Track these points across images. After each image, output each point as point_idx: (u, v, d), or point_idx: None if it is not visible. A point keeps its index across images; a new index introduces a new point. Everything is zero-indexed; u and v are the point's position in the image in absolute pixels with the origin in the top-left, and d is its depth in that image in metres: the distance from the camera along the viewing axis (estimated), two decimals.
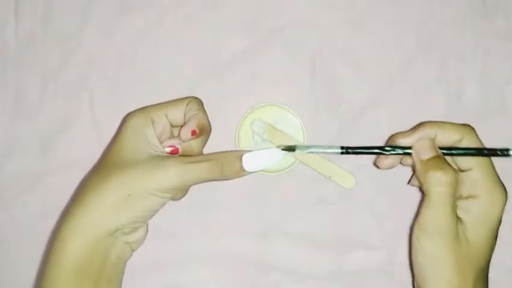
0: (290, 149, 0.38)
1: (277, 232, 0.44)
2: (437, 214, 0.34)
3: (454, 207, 0.35)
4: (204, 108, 0.39)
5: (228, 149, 0.43)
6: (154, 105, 0.39)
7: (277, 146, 0.38)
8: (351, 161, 0.43)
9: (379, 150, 0.37)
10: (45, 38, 0.46)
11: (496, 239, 0.36)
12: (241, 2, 0.45)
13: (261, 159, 0.37)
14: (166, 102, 0.39)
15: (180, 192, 0.38)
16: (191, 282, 0.44)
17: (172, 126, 0.39)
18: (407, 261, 0.43)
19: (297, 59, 0.45)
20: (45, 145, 0.45)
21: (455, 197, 0.35)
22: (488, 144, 0.44)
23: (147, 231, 0.38)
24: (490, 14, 0.45)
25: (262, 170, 0.41)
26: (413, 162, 0.37)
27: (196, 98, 0.39)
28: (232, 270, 0.44)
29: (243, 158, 0.37)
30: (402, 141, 0.37)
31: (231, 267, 0.44)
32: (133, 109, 0.45)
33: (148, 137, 0.37)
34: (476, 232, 0.35)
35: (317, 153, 0.38)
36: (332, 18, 0.45)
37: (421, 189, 0.37)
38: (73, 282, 0.34)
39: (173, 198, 0.38)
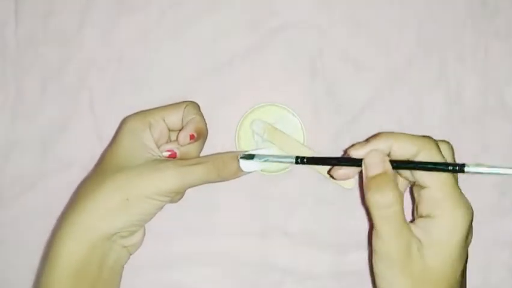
0: (248, 157, 0.37)
1: (277, 232, 0.44)
2: (382, 239, 0.33)
3: (401, 229, 0.32)
4: (201, 112, 0.39)
5: (228, 149, 0.43)
6: (152, 109, 0.39)
7: (238, 154, 0.37)
8: None
9: (331, 161, 0.36)
10: (45, 38, 0.46)
11: (460, 262, 0.33)
12: (241, 2, 0.45)
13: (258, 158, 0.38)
14: (163, 107, 0.39)
15: (178, 195, 0.38)
16: (191, 282, 0.44)
17: (170, 130, 0.39)
18: None
19: (297, 59, 0.45)
20: (45, 145, 0.45)
21: (401, 218, 0.32)
22: (488, 144, 0.44)
23: (144, 234, 0.38)
24: (490, 14, 0.45)
25: (262, 170, 0.41)
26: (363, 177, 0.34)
27: (193, 102, 0.39)
28: (232, 270, 0.44)
29: (240, 158, 0.37)
30: (355, 153, 0.34)
31: (231, 267, 0.44)
32: (133, 109, 0.45)
33: (145, 141, 0.37)
34: (436, 253, 0.32)
35: (273, 162, 0.37)
36: (332, 18, 0.45)
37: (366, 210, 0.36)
38: (70, 286, 0.34)
39: (171, 201, 0.38)
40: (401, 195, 0.33)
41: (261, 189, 0.44)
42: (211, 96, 0.45)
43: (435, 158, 0.33)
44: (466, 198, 0.33)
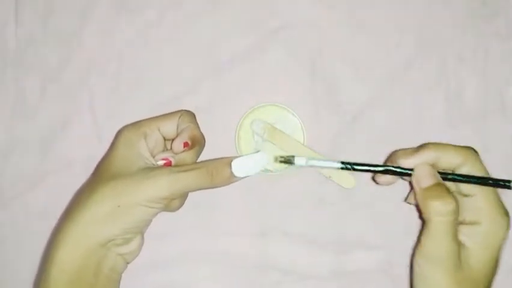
0: (289, 161, 0.37)
1: (277, 232, 0.44)
2: (437, 243, 0.34)
3: (455, 235, 0.34)
4: (196, 121, 0.39)
5: (228, 149, 0.43)
6: (146, 119, 0.39)
7: (277, 158, 0.38)
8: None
9: (379, 169, 0.37)
10: (45, 38, 0.46)
11: (498, 264, 0.36)
12: (241, 2, 0.45)
13: (250, 164, 0.37)
14: (158, 116, 0.39)
15: (174, 203, 0.37)
16: (191, 282, 0.44)
17: (165, 139, 0.39)
18: (406, 261, 0.43)
19: (297, 59, 0.45)
20: (45, 145, 0.45)
21: (456, 225, 0.34)
22: (488, 144, 0.44)
23: (142, 242, 0.38)
24: (490, 14, 0.45)
25: (262, 170, 0.41)
26: (413, 186, 0.36)
27: (188, 111, 0.39)
28: (232, 270, 0.44)
29: (232, 164, 0.36)
30: (403, 162, 0.36)
31: (230, 267, 0.44)
32: (133, 109, 0.45)
33: (140, 150, 0.37)
34: (478, 258, 0.35)
35: (316, 166, 0.37)
36: (332, 18, 0.45)
37: (420, 215, 0.37)
38: None
39: (168, 209, 0.37)
40: (458, 204, 0.35)
41: (261, 189, 0.44)
42: (211, 96, 0.45)
43: (479, 169, 0.35)
44: (504, 205, 0.35)
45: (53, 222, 0.44)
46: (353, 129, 0.44)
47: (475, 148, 0.36)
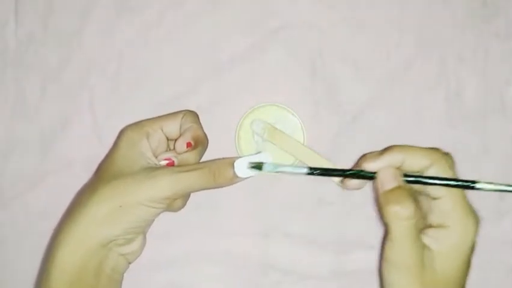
0: (257, 167, 0.36)
1: (277, 232, 0.44)
2: (398, 248, 0.33)
3: (416, 239, 0.33)
4: (199, 121, 0.39)
5: (228, 149, 0.43)
6: (149, 119, 0.39)
7: (234, 160, 0.36)
8: (351, 162, 0.43)
9: (345, 173, 0.36)
10: (45, 38, 0.46)
11: (468, 268, 0.35)
12: (241, 2, 0.45)
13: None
14: (161, 116, 0.39)
15: (176, 203, 0.37)
16: (192, 282, 0.44)
17: (168, 139, 0.39)
18: None
19: (297, 59, 0.45)
20: (45, 145, 0.45)
21: (417, 229, 0.33)
22: (488, 144, 0.44)
23: (144, 243, 0.38)
24: (490, 14, 0.45)
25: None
26: (376, 190, 0.35)
27: (191, 111, 0.39)
28: (232, 270, 0.44)
29: (235, 164, 0.36)
30: (368, 166, 0.35)
31: (231, 267, 0.44)
32: (133, 109, 0.45)
33: (142, 149, 0.37)
34: (445, 262, 0.34)
35: (285, 173, 0.36)
36: (332, 18, 0.45)
37: (382, 221, 0.36)
38: None
39: (171, 209, 0.37)
40: (418, 207, 0.34)
41: (261, 189, 0.44)
42: (211, 96, 0.45)
43: (447, 172, 0.34)
44: (473, 208, 0.34)
45: (53, 222, 0.44)
46: (353, 129, 0.44)
47: (441, 149, 0.35)
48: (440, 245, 0.34)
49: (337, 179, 0.40)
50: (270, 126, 0.43)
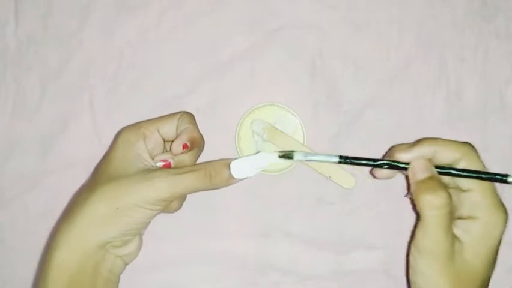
0: (288, 156, 0.36)
1: (277, 232, 0.44)
2: (430, 236, 0.34)
3: (448, 229, 0.34)
4: (195, 122, 0.39)
5: (228, 149, 0.43)
6: (146, 120, 0.39)
7: (276, 152, 0.37)
8: None
9: (377, 163, 0.36)
10: (45, 38, 0.46)
11: (495, 260, 0.36)
12: (241, 2, 0.45)
13: (249, 165, 0.36)
14: (157, 118, 0.39)
15: (173, 204, 0.37)
16: (191, 282, 0.44)
17: (165, 141, 0.39)
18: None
19: (297, 59, 0.45)
20: (45, 145, 0.45)
21: (449, 219, 0.34)
22: (488, 144, 0.44)
23: (141, 244, 0.38)
24: (490, 14, 0.45)
25: (262, 170, 0.41)
26: (409, 180, 0.36)
27: (188, 113, 0.39)
28: (232, 270, 0.44)
29: (231, 165, 0.36)
30: (400, 157, 0.36)
31: (231, 267, 0.44)
32: (133, 109, 0.45)
33: (139, 151, 0.37)
34: (474, 253, 0.35)
35: (315, 161, 0.37)
36: (332, 18, 0.45)
37: (415, 209, 0.37)
38: None
39: (167, 211, 0.37)
40: (451, 198, 0.34)
41: (261, 189, 0.44)
42: (211, 96, 0.45)
43: (476, 164, 0.35)
44: (502, 201, 0.35)
45: (53, 222, 0.44)
46: (353, 129, 0.44)
47: (472, 144, 0.36)
48: (469, 236, 0.35)
49: (335, 176, 0.41)
50: (270, 126, 0.43)
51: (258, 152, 0.37)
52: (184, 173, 0.35)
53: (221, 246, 0.44)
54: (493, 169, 0.44)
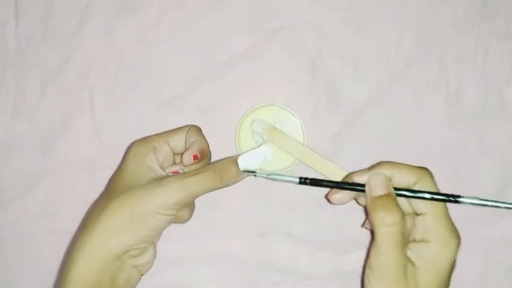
0: (251, 172, 0.38)
1: (277, 232, 0.44)
2: (382, 254, 0.34)
3: (401, 248, 0.34)
4: (203, 135, 0.40)
5: (228, 149, 0.43)
6: (156, 134, 0.40)
7: (236, 157, 0.38)
8: (351, 162, 0.43)
9: (334, 184, 0.37)
10: (45, 38, 0.46)
11: (448, 284, 0.35)
12: (241, 2, 0.45)
13: (254, 157, 0.38)
14: (167, 131, 0.40)
15: (184, 214, 0.38)
16: (191, 282, 0.44)
17: (174, 154, 0.40)
18: None
19: (297, 59, 0.45)
20: (45, 145, 0.45)
21: (402, 238, 0.34)
22: (488, 144, 0.44)
23: (155, 254, 0.38)
24: (490, 14, 0.45)
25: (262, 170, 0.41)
26: (366, 196, 0.36)
27: (195, 126, 0.40)
28: (232, 270, 0.44)
29: (238, 160, 0.38)
30: (358, 179, 0.36)
31: (231, 267, 0.44)
32: (133, 109, 0.45)
33: (149, 163, 0.37)
34: (426, 276, 0.34)
35: (276, 180, 0.38)
36: (332, 18, 0.45)
37: (369, 227, 0.37)
38: None
39: (178, 221, 0.39)
40: (404, 216, 0.35)
41: (261, 189, 0.44)
42: (211, 96, 0.45)
43: (431, 187, 0.35)
44: (455, 226, 0.35)
45: (53, 222, 0.44)
46: (353, 129, 0.44)
47: (429, 169, 0.36)
48: (421, 259, 0.34)
49: (337, 176, 0.41)
50: (270, 126, 0.43)
51: (260, 145, 0.40)
52: (194, 174, 0.36)
53: (221, 246, 0.44)
54: (492, 169, 0.44)
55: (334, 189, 0.37)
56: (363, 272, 0.36)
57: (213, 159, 0.40)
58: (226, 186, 0.38)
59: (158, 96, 0.45)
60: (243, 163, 0.38)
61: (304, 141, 0.43)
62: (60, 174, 0.45)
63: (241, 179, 0.38)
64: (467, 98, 0.45)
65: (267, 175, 0.38)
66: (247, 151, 0.39)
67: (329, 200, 0.38)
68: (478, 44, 0.45)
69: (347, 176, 0.38)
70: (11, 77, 0.45)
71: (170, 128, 0.43)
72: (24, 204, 0.45)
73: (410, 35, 0.45)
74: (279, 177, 0.38)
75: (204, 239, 0.44)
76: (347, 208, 0.44)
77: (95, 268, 0.34)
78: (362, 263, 0.44)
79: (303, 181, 0.37)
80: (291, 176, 0.38)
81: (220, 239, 0.44)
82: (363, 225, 0.41)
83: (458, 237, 0.35)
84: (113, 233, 0.35)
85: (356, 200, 0.39)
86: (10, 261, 0.45)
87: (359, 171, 0.37)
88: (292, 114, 0.44)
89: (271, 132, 0.43)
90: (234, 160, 0.38)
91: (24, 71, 0.45)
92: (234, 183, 0.38)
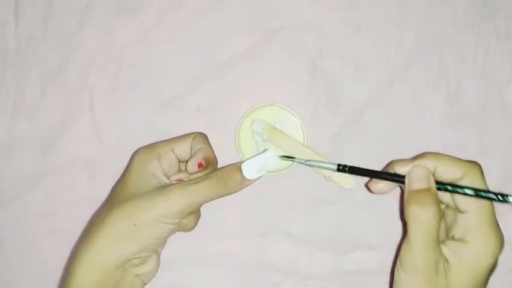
0: (289, 158, 0.37)
1: (277, 232, 0.44)
2: (413, 251, 0.33)
3: (434, 246, 0.33)
4: (209, 142, 0.40)
5: (228, 149, 0.43)
6: (161, 141, 0.39)
7: (240, 163, 0.37)
8: (351, 162, 0.43)
9: (375, 174, 0.36)
10: (45, 38, 0.46)
11: (484, 287, 0.34)
12: (241, 2, 0.45)
13: (259, 164, 0.37)
14: (172, 138, 0.39)
15: (188, 222, 0.38)
16: (191, 282, 0.44)
17: (179, 161, 0.39)
18: None
19: (297, 59, 0.45)
20: (45, 145, 0.45)
21: (436, 236, 0.33)
22: (488, 144, 0.44)
23: (159, 263, 0.38)
24: (490, 14, 0.45)
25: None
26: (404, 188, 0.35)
27: (201, 133, 0.40)
28: (232, 270, 0.44)
29: (242, 167, 0.37)
30: (399, 170, 0.35)
31: (231, 267, 0.44)
32: (133, 109, 0.45)
33: (153, 170, 0.37)
34: (459, 277, 0.33)
35: (314, 166, 0.37)
36: (332, 18, 0.45)
37: (403, 219, 0.36)
38: None
39: (183, 229, 0.38)
40: (441, 213, 0.33)
41: (261, 189, 0.44)
42: (211, 96, 0.45)
43: (479, 184, 0.33)
44: (500, 228, 0.34)
45: (53, 222, 0.44)
46: (353, 129, 0.44)
47: (479, 164, 0.35)
48: (457, 258, 0.33)
49: (335, 176, 0.41)
50: (270, 126, 0.43)
51: (265, 151, 0.38)
52: (198, 182, 0.35)
53: (221, 246, 0.44)
54: (492, 169, 0.44)
55: (374, 179, 0.36)
56: (393, 265, 0.35)
57: (222, 166, 0.39)
58: (231, 194, 0.37)
59: (158, 96, 0.45)
60: (247, 170, 0.37)
61: (304, 141, 0.43)
62: (60, 174, 0.45)
63: (245, 186, 0.37)
64: (467, 98, 0.45)
65: (305, 161, 0.37)
66: (251, 157, 0.38)
67: (369, 189, 0.37)
68: (478, 44, 0.45)
69: (389, 164, 0.36)
70: (11, 77, 0.45)
71: (170, 128, 0.43)
72: (24, 204, 0.45)
73: (410, 35, 0.45)
74: (318, 164, 0.37)
75: (204, 240, 0.44)
76: (347, 208, 0.44)
77: (97, 277, 0.34)
78: (362, 263, 0.44)
79: (342, 168, 0.36)
80: (329, 163, 0.37)
81: (220, 239, 0.44)
82: (400, 217, 0.40)
83: (501, 240, 0.33)
84: (115, 242, 0.34)
85: (401, 187, 0.37)
86: (10, 261, 0.45)
87: (402, 160, 0.35)
88: (292, 114, 0.44)
89: (271, 132, 0.43)
90: (237, 167, 0.37)
91: (24, 71, 0.45)
92: (238, 190, 0.37)
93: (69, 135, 0.45)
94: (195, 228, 0.44)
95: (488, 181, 0.44)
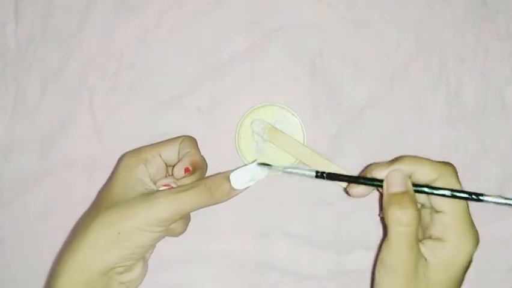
0: (266, 165, 0.36)
1: (277, 232, 0.44)
2: (394, 252, 0.34)
3: (414, 247, 0.33)
4: (197, 146, 0.39)
5: (228, 149, 0.43)
6: (148, 145, 0.39)
7: (229, 173, 0.36)
8: (351, 162, 0.43)
9: (353, 179, 0.36)
10: (45, 38, 0.46)
11: (460, 284, 0.35)
12: (241, 2, 0.45)
13: (248, 174, 0.36)
14: (159, 142, 0.39)
15: (177, 227, 0.37)
16: (191, 282, 0.44)
17: (167, 165, 0.39)
18: None
19: (297, 59, 0.45)
20: (45, 145, 0.45)
21: (416, 237, 0.33)
22: (488, 144, 0.44)
23: (145, 270, 0.37)
24: (490, 14, 0.45)
25: None
26: (383, 191, 0.35)
27: (189, 137, 0.39)
28: (232, 270, 0.44)
29: (231, 176, 0.36)
30: (377, 174, 0.35)
31: (231, 267, 0.44)
32: (133, 109, 0.45)
33: (140, 175, 0.36)
34: (438, 275, 0.34)
35: (292, 173, 0.36)
36: (332, 18, 0.45)
37: (383, 222, 0.37)
38: None
39: (171, 234, 0.37)
40: (419, 214, 0.34)
41: (261, 189, 0.44)
42: (211, 96, 0.45)
43: (454, 184, 0.34)
44: (475, 226, 0.34)
45: (53, 222, 0.44)
46: (353, 129, 0.44)
47: (453, 165, 0.35)
48: (435, 257, 0.34)
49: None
50: (270, 126, 0.43)
51: (254, 161, 0.37)
52: (184, 190, 0.35)
53: (221, 246, 0.44)
54: (492, 169, 0.44)
55: (353, 183, 0.36)
56: (374, 265, 0.36)
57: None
58: (218, 203, 0.36)
59: (158, 96, 0.45)
60: (236, 180, 0.36)
61: (304, 141, 0.43)
62: (60, 174, 0.45)
63: (233, 196, 0.36)
64: (467, 98, 0.45)
65: (283, 169, 0.36)
66: (239, 167, 0.36)
67: (348, 193, 0.37)
68: (478, 44, 0.45)
69: (367, 167, 0.37)
70: (11, 77, 0.45)
71: (170, 128, 0.43)
72: (24, 204, 0.45)
73: (410, 35, 0.45)
74: (296, 171, 0.36)
75: (204, 239, 0.44)
76: (347, 208, 0.44)
77: (80, 283, 0.33)
78: (362, 263, 0.44)
79: (320, 175, 0.36)
80: (307, 170, 0.36)
81: (220, 239, 0.44)
82: (380, 213, 0.40)
83: (476, 238, 0.34)
84: (99, 250, 0.33)
85: (378, 189, 0.37)
86: (10, 261, 0.45)
87: (379, 164, 0.36)
88: (292, 114, 0.44)
89: (271, 132, 0.43)
90: (226, 176, 0.36)
91: (24, 71, 0.45)
92: (225, 200, 0.36)
93: (69, 135, 0.45)
94: (195, 228, 0.44)
95: (488, 181, 0.44)
